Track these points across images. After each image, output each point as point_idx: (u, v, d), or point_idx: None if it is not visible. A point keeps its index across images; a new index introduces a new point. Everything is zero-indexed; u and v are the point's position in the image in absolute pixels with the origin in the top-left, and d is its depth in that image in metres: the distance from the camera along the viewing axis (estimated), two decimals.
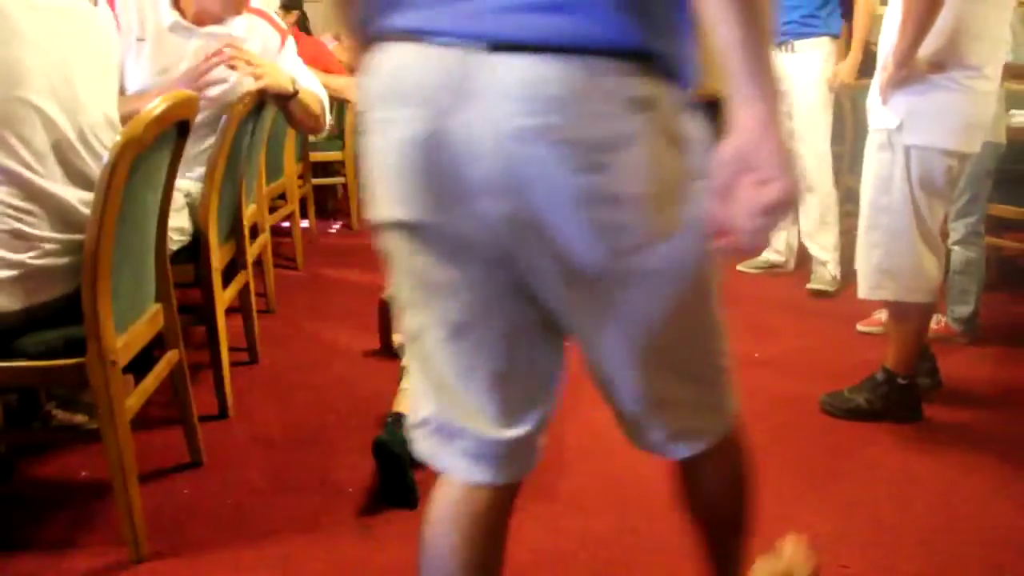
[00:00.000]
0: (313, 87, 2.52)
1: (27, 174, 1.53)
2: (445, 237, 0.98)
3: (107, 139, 1.69)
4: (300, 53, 2.59)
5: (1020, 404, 2.64)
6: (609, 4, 0.89)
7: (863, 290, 2.41)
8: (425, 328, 1.06)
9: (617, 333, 1.02)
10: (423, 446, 1.13)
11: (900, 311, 2.41)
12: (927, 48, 2.17)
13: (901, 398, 2.46)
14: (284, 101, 2.38)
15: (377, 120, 0.98)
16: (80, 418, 2.10)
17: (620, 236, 0.94)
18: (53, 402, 2.16)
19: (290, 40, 2.51)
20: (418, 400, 1.12)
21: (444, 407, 1.08)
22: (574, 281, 0.98)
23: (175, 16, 2.15)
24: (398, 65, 0.95)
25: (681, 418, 1.11)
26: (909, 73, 2.20)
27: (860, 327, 3.18)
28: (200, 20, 2.20)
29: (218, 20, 2.27)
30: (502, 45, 0.88)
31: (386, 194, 1.00)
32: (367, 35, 1.01)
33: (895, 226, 2.29)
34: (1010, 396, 2.72)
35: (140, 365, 1.90)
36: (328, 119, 4.63)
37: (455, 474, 1.11)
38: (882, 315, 3.12)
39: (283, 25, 2.52)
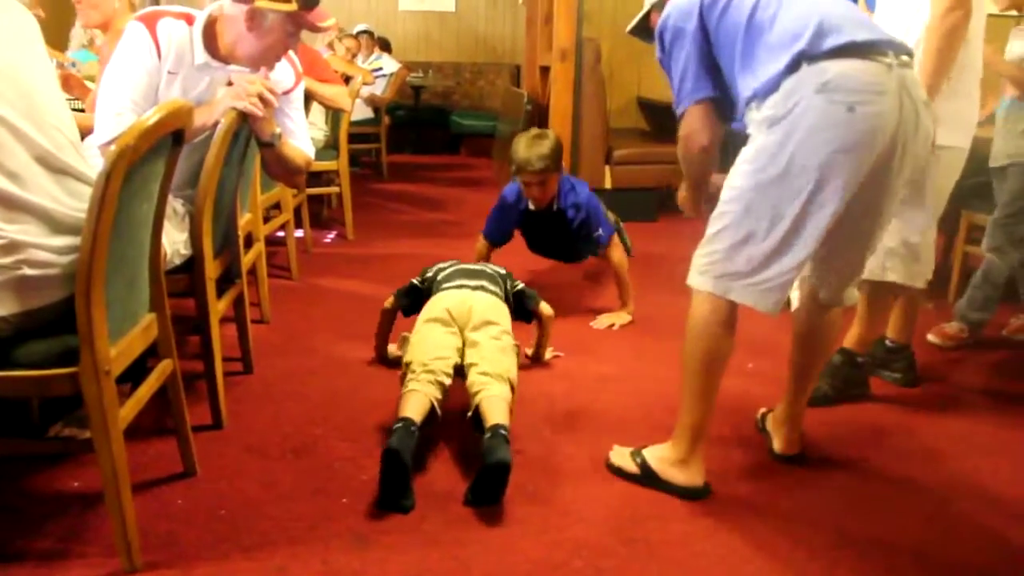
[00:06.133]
0: (304, 145, 2.55)
1: (9, 188, 1.52)
2: None
3: (73, 131, 1.68)
4: None
5: (1014, 414, 2.65)
6: None
7: (871, 271, 2.48)
8: None
9: None
10: None
11: (881, 292, 2.59)
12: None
13: (855, 377, 2.67)
14: (260, 145, 2.41)
15: None
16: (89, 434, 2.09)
17: None
18: (61, 423, 2.15)
19: (302, 84, 2.59)
20: None
21: None
22: None
23: (206, 57, 2.27)
24: None
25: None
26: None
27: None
28: (228, 60, 2.31)
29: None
30: None
31: None
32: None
33: (911, 213, 2.44)
34: (1004, 406, 2.73)
35: (134, 375, 1.90)
36: (326, 133, 4.67)
37: None
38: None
39: (300, 68, 2.58)
